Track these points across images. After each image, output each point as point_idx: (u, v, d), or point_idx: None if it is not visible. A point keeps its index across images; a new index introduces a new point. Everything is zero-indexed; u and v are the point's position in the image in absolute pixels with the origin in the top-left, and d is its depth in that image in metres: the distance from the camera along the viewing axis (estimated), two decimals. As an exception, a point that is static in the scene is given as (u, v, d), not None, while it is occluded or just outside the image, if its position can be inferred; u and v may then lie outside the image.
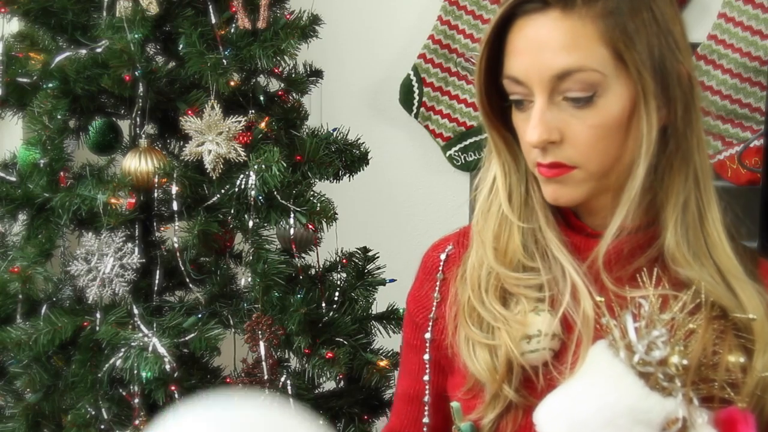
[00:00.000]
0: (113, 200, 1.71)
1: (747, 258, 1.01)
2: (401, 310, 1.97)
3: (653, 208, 1.01)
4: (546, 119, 0.95)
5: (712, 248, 0.99)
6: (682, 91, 0.97)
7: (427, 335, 1.10)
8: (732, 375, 0.94)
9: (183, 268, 1.79)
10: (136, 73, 1.74)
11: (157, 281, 1.84)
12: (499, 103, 1.02)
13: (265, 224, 1.80)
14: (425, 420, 1.12)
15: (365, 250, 2.00)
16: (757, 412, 0.95)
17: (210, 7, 1.79)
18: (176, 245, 1.78)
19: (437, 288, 1.10)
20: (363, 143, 1.99)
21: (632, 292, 0.95)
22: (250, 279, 1.80)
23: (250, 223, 1.77)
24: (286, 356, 1.87)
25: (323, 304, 1.86)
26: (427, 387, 1.11)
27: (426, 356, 1.10)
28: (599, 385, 0.91)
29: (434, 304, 1.09)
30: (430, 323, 1.09)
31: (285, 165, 1.73)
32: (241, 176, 1.75)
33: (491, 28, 0.96)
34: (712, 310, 0.96)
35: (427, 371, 1.11)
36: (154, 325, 1.72)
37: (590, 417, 0.90)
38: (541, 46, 0.93)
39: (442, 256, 1.11)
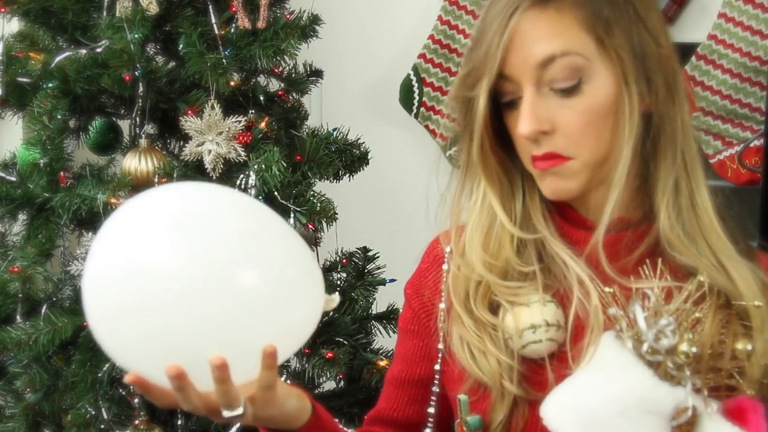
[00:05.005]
0: (113, 200, 1.71)
1: (738, 237, 1.02)
2: (401, 310, 1.97)
3: (647, 199, 1.02)
4: (535, 110, 0.96)
5: (704, 229, 1.00)
6: (663, 75, 0.99)
7: (441, 324, 1.08)
8: (740, 363, 0.94)
9: (183, 268, 1.79)
10: (136, 73, 1.74)
11: (157, 281, 1.84)
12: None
13: (265, 224, 1.79)
14: (431, 410, 1.10)
15: (365, 250, 2.00)
16: (765, 400, 0.95)
17: (210, 7, 1.79)
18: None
19: (444, 278, 1.09)
20: (363, 143, 1.99)
21: (637, 283, 0.95)
22: (250, 279, 1.80)
23: (250, 223, 1.77)
24: (286, 356, 1.87)
25: (323, 304, 1.86)
26: (436, 376, 1.09)
27: (440, 345, 1.08)
28: (608, 376, 0.91)
29: (443, 295, 1.09)
30: (442, 313, 1.09)
31: (285, 165, 1.73)
32: (241, 176, 1.75)
33: (500, 35, 0.96)
34: (718, 298, 0.96)
35: (439, 360, 1.09)
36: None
37: (600, 408, 0.89)
38: (523, 38, 0.95)
39: (447, 249, 1.11)
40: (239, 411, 0.87)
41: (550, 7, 0.95)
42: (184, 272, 0.83)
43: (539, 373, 0.99)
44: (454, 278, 1.06)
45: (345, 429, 1.09)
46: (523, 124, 0.97)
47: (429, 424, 1.10)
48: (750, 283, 0.98)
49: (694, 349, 0.90)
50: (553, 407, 0.93)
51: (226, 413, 0.87)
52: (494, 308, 1.02)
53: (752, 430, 0.89)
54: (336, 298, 0.96)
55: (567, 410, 0.91)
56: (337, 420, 1.09)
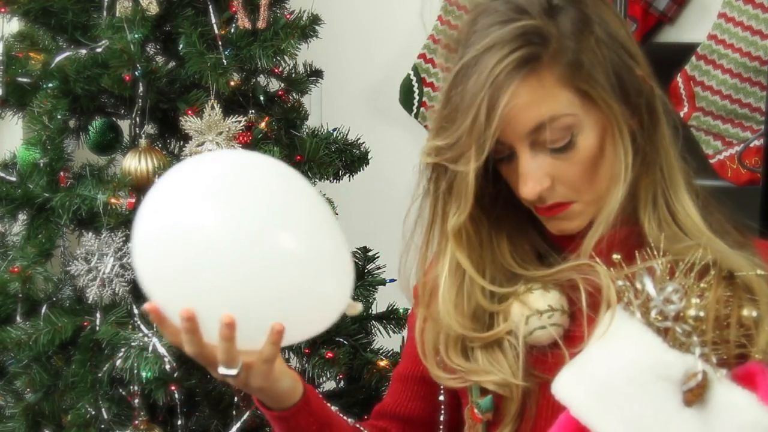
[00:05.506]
0: (113, 200, 1.71)
1: (728, 229, 1.02)
2: (401, 310, 1.98)
3: (632, 210, 1.03)
4: (534, 172, 0.98)
5: (689, 233, 1.00)
6: (645, 97, 0.99)
7: None
8: (747, 331, 0.95)
9: (183, 268, 1.79)
10: (136, 73, 1.74)
11: (157, 281, 1.84)
12: None
13: (265, 224, 1.79)
14: (441, 398, 1.13)
15: (365, 250, 2.01)
16: None
17: (210, 7, 1.79)
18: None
19: None
20: (363, 143, 1.99)
21: (643, 264, 0.96)
22: (250, 279, 1.80)
23: (250, 223, 1.77)
24: (286, 356, 1.87)
25: (323, 304, 1.86)
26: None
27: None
28: (617, 346, 0.92)
29: None
30: None
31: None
32: (241, 176, 1.74)
33: (487, 118, 0.95)
34: (721, 271, 0.97)
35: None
36: (154, 325, 1.72)
37: (610, 377, 0.90)
38: (509, 111, 0.94)
39: None
40: (234, 371, 0.94)
41: (530, 76, 0.94)
42: (220, 232, 0.89)
43: (547, 359, 1.01)
44: (420, 332, 1.09)
45: (342, 417, 1.11)
46: (525, 190, 0.99)
47: (441, 411, 1.13)
48: (745, 265, 0.98)
49: (701, 314, 0.91)
50: (564, 382, 0.94)
51: (222, 370, 0.94)
52: (467, 351, 1.05)
53: (761, 393, 0.90)
54: (359, 305, 0.99)
55: (578, 382, 0.92)
56: (336, 408, 1.11)
